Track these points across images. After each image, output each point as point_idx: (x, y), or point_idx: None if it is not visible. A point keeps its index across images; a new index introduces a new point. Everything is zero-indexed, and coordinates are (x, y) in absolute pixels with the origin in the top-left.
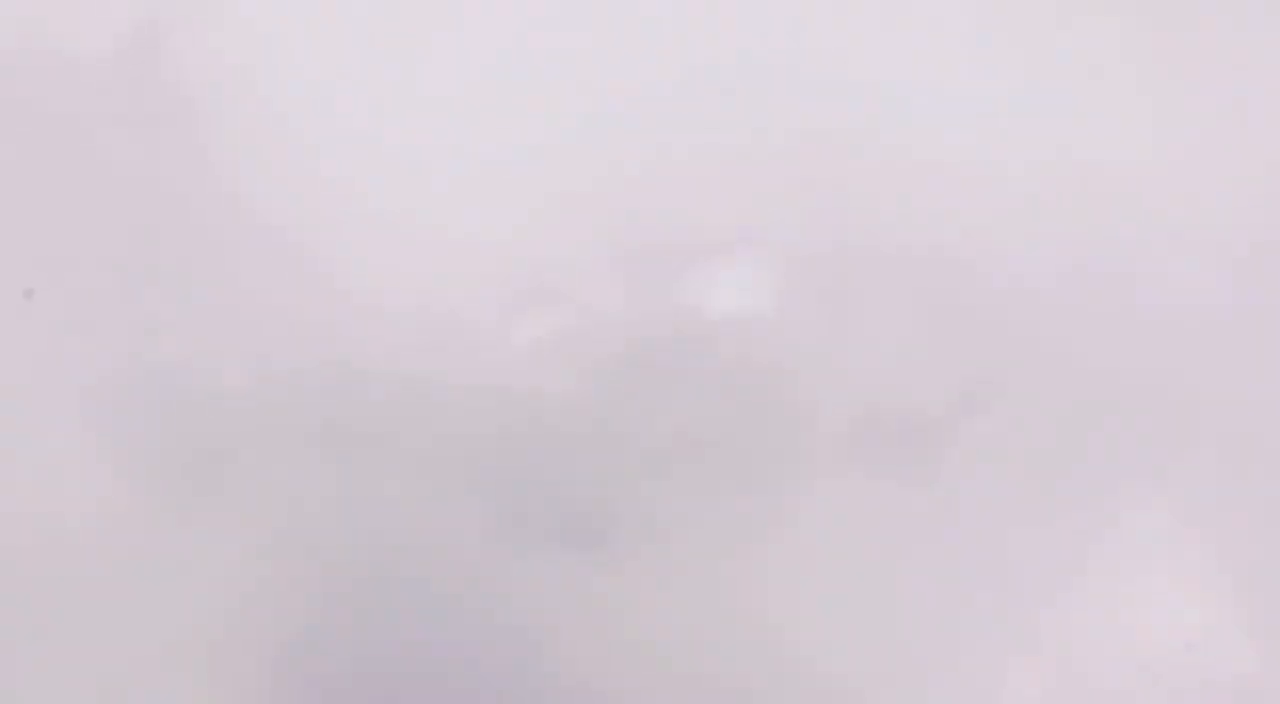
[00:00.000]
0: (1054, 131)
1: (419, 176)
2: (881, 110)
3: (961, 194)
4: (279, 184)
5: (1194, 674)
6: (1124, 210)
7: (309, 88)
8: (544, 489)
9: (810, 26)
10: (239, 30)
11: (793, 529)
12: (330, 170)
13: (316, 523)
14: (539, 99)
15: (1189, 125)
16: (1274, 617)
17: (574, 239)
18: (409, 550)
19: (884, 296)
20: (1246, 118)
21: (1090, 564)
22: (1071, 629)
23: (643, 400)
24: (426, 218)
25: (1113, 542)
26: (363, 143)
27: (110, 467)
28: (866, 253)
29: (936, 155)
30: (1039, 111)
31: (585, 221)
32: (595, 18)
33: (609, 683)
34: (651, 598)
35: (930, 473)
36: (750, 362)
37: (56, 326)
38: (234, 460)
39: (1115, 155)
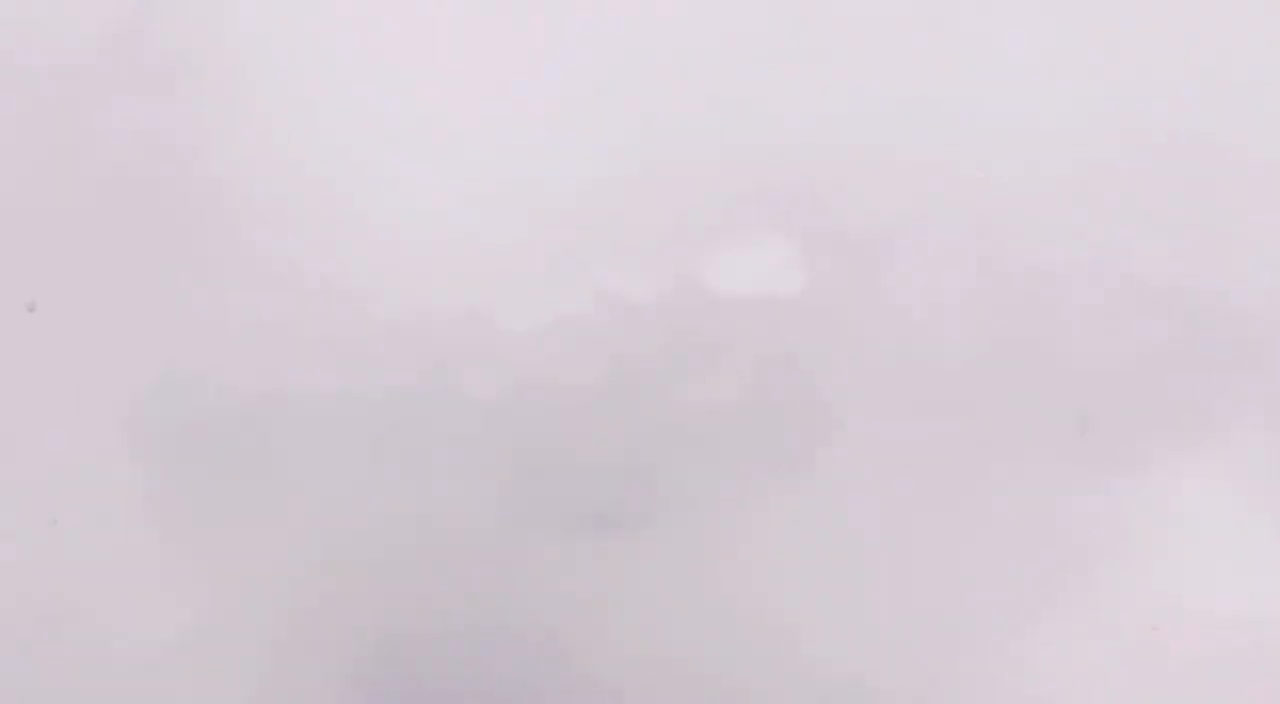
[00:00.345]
0: (1086, 112)
1: (432, 163)
2: (909, 93)
3: (989, 174)
4: (289, 178)
5: (1238, 644)
6: (1157, 189)
7: (316, 88)
8: (568, 475)
9: (840, 12)
10: (242, 29)
11: (821, 511)
12: (340, 162)
13: (334, 514)
14: (559, 77)
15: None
16: None
17: (592, 223)
18: (428, 539)
19: (911, 275)
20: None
21: (1125, 534)
22: (1106, 602)
23: (665, 383)
24: (441, 204)
25: (1148, 509)
26: (372, 130)
27: (130, 468)
28: (893, 232)
29: (964, 136)
30: (1077, 89)
31: (604, 205)
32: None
33: (633, 668)
34: (674, 582)
35: (959, 449)
36: (775, 343)
37: (70, 336)
38: (252, 459)
39: (1145, 139)
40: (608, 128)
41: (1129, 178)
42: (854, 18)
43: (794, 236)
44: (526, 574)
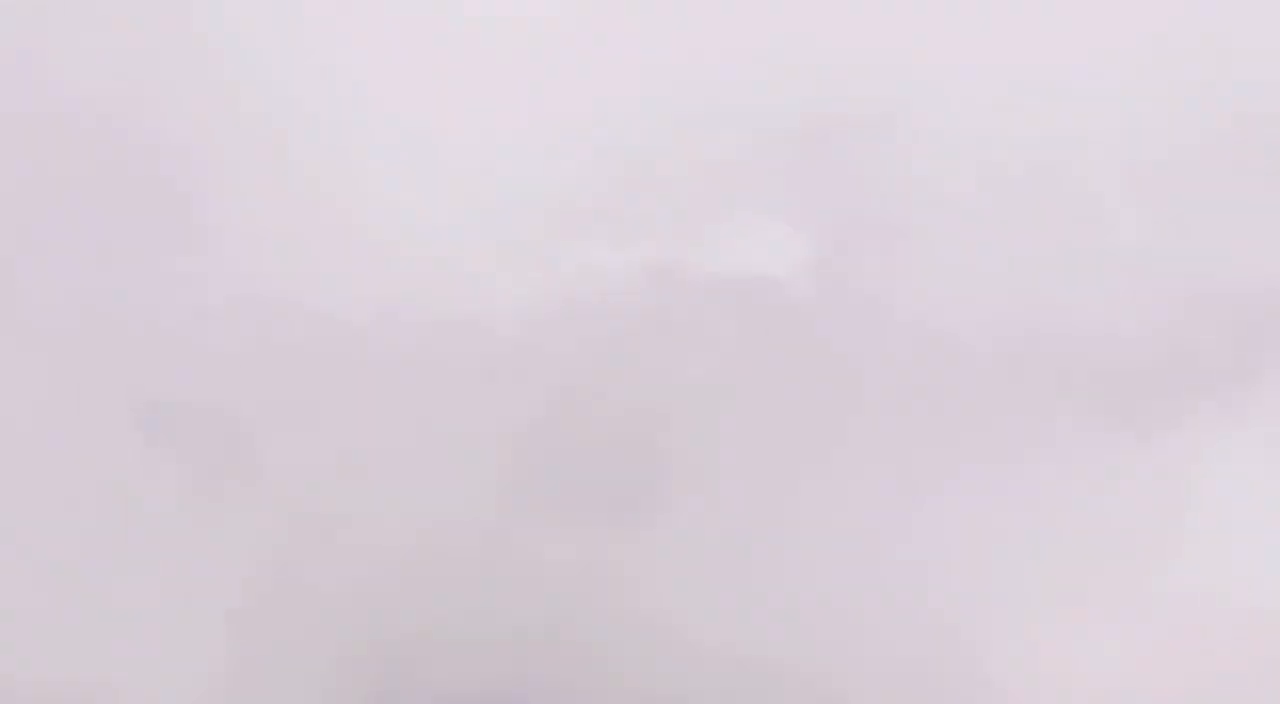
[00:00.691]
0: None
1: (422, 144)
2: (907, 78)
3: (983, 151)
4: (289, 172)
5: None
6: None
7: (319, 81)
8: (573, 456)
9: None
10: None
11: (835, 491)
12: (332, 149)
13: (328, 496)
14: (570, 53)
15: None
16: None
17: (582, 203)
18: (424, 524)
19: (931, 250)
20: None
21: (1159, 504)
22: (1162, 575)
23: (673, 362)
24: (447, 182)
25: (1183, 480)
26: (365, 119)
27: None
28: (897, 207)
29: (957, 117)
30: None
31: (597, 187)
32: None
33: (636, 650)
34: (680, 561)
35: (982, 424)
36: (784, 318)
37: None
38: (256, 435)
39: (1181, 122)
40: (601, 112)
41: (1162, 155)
42: (869, 12)
43: (793, 216)
44: (522, 556)
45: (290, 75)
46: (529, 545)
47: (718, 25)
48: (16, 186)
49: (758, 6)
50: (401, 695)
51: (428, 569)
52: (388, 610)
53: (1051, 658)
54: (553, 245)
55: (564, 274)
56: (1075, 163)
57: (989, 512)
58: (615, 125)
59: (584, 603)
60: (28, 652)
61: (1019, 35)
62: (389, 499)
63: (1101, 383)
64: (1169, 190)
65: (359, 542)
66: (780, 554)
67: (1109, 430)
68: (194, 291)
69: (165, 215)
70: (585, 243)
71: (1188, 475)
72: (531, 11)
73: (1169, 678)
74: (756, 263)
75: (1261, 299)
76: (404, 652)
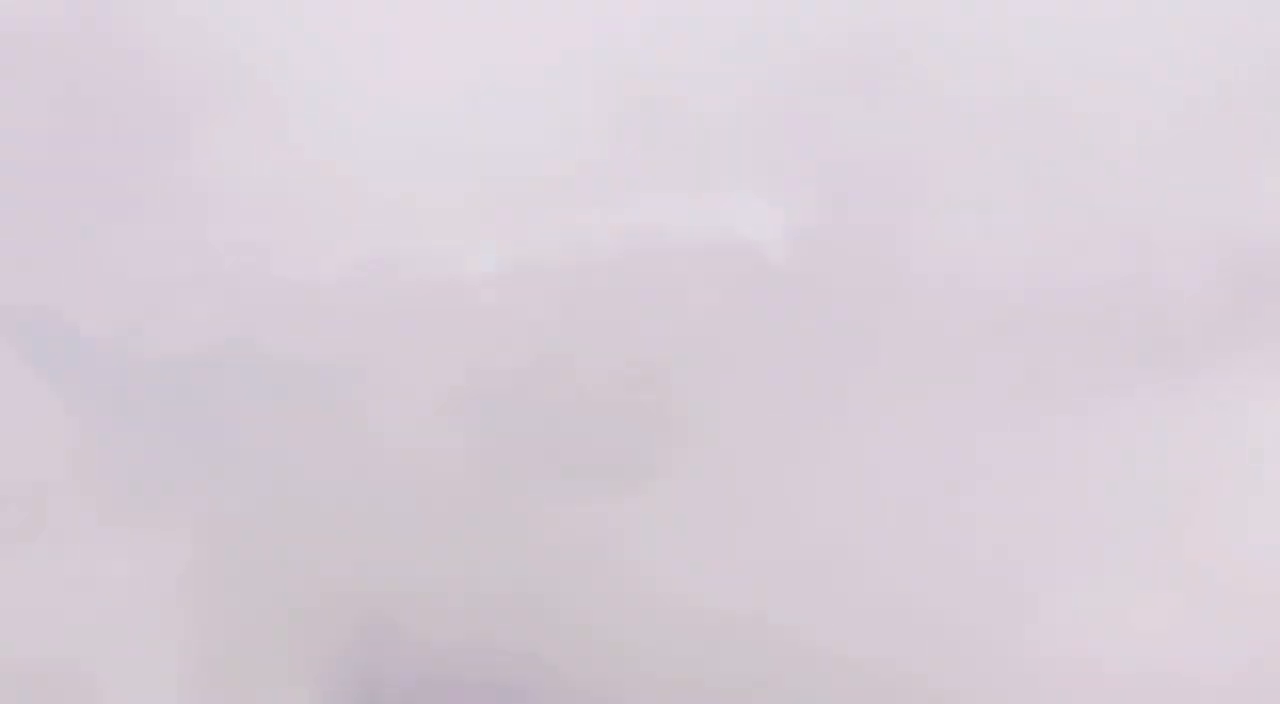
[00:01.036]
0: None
1: (415, 98)
2: (904, 32)
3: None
4: (247, 124)
5: None
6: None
7: (294, 46)
8: (554, 420)
9: None
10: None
11: (845, 458)
12: (319, 97)
13: (314, 470)
14: (550, 14)
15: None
16: None
17: (561, 169)
18: (410, 489)
19: (930, 199)
20: None
21: (1201, 469)
22: (1191, 537)
23: (661, 326)
24: (402, 151)
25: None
26: (341, 85)
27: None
28: (902, 158)
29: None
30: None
31: (577, 150)
32: None
33: (625, 623)
34: (672, 525)
35: (994, 377)
36: (778, 279)
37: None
38: (228, 411)
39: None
40: (582, 72)
41: (1209, 91)
42: None
43: (786, 177)
44: (504, 521)
45: (264, 33)
46: (513, 509)
47: None
48: None
49: None
50: (387, 668)
51: (409, 535)
52: (370, 578)
53: (1085, 629)
54: (532, 208)
55: (545, 237)
56: (1107, 106)
57: (1009, 475)
58: (596, 85)
59: (573, 570)
60: None
61: None
62: (366, 464)
63: (1141, 339)
64: (1210, 130)
65: (339, 509)
66: (780, 517)
67: (1149, 388)
68: (163, 248)
69: (127, 172)
70: (566, 205)
71: (1232, 434)
72: None
73: (1213, 647)
74: (747, 222)
75: None
76: (388, 621)
